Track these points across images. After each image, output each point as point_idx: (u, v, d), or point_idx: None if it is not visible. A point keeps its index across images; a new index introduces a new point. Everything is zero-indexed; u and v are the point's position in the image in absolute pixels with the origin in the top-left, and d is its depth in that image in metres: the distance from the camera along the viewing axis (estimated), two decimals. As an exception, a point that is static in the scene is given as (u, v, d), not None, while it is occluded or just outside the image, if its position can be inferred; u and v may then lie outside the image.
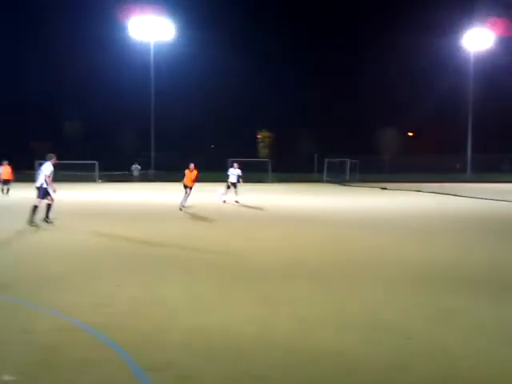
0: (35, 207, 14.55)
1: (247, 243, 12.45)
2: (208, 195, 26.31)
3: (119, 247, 11.65)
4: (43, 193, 14.64)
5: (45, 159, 15.32)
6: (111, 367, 4.87)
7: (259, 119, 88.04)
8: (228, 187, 24.50)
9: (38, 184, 14.71)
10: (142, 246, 11.85)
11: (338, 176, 53.36)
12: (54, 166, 15.07)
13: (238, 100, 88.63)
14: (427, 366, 4.95)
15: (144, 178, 53.41)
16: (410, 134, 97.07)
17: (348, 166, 55.02)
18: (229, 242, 12.59)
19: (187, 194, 20.76)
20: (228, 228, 15.41)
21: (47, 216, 14.94)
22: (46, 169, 14.71)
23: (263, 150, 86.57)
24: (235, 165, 25.02)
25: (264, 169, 56.44)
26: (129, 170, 54.31)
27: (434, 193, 32.56)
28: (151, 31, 58.96)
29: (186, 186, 20.87)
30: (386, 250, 11.55)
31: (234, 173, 24.56)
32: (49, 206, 14.94)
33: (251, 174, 54.45)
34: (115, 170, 53.68)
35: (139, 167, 53.74)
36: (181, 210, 19.97)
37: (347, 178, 53.13)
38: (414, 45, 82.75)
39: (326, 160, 55.94)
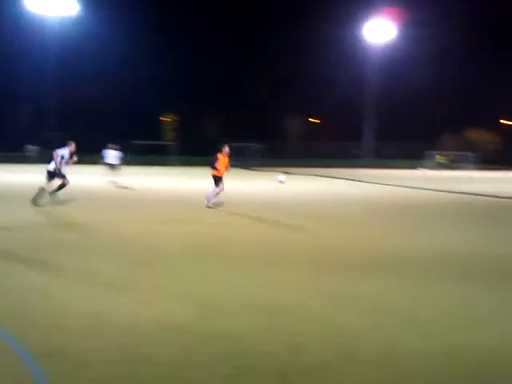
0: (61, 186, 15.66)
1: (142, 225, 12.33)
2: (90, 178, 25.69)
3: (14, 232, 11.21)
4: (59, 175, 15.40)
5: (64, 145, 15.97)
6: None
7: (165, 102, 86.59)
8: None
9: (51, 168, 15.40)
10: (42, 229, 11.45)
11: (243, 160, 53.82)
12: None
13: (144, 82, 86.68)
14: (324, 347, 5.08)
15: (42, 159, 51.19)
16: (315, 120, 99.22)
17: (252, 151, 55.60)
18: (122, 225, 12.41)
19: (220, 188, 16.00)
20: (121, 211, 15.20)
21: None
22: (61, 152, 15.50)
23: (169, 133, 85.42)
24: (113, 146, 25.34)
25: (169, 152, 56.00)
26: (22, 150, 51.76)
27: (333, 177, 33.76)
28: (53, 6, 56.26)
29: (217, 178, 15.92)
30: (279, 232, 11.84)
31: (111, 154, 24.93)
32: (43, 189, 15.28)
33: (156, 157, 54.00)
34: (10, 150, 51.05)
35: (36, 148, 51.41)
36: (210, 207, 15.71)
37: (251, 162, 53.68)
38: (319, 34, 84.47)
39: (231, 144, 56.21)
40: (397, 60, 73.30)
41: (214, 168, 15.86)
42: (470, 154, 62.62)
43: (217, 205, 16.05)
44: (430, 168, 57.71)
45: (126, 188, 22.45)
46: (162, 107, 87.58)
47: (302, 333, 5.42)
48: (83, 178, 25.80)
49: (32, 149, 50.80)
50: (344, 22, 71.54)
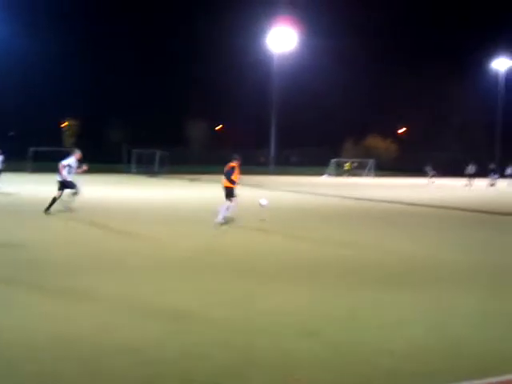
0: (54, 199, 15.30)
1: (36, 236, 11.80)
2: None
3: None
4: (66, 184, 15.30)
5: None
6: None
7: (65, 106, 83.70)
8: None
9: (60, 178, 15.30)
10: None
11: (148, 167, 52.94)
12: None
13: (41, 85, 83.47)
14: (225, 353, 5.04)
15: None
16: (219, 127, 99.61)
17: (157, 158, 54.81)
18: (17, 237, 11.81)
19: (234, 202, 14.22)
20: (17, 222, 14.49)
21: (48, 208, 15.18)
22: (66, 161, 15.41)
23: (69, 139, 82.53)
24: None
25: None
26: None
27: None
28: None
29: (231, 190, 14.03)
30: (173, 239, 11.73)
31: None
32: (54, 199, 15.31)
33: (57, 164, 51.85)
34: None
35: None
36: (220, 224, 13.74)
37: (156, 169, 52.89)
38: (222, 42, 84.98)
39: (135, 151, 55.32)
40: (301, 68, 75.09)
41: (230, 180, 14.02)
42: (371, 160, 65.06)
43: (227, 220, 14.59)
44: (335, 175, 59.52)
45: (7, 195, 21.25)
46: (64, 112, 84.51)
47: (205, 340, 5.35)
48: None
49: None
50: (248, 30, 72.47)
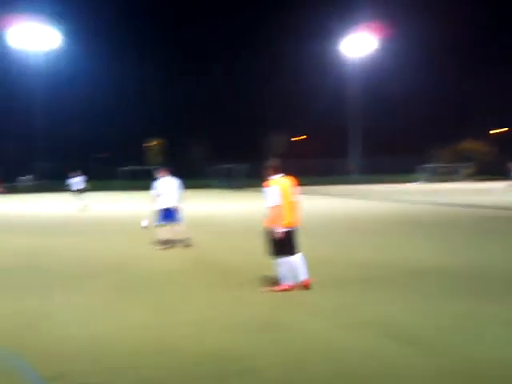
0: None
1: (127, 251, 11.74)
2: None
3: None
4: None
5: None
6: (8, 378, 4.57)
7: (151, 127, 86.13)
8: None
9: None
10: (20, 259, 10.82)
11: (228, 182, 52.99)
12: None
13: (128, 107, 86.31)
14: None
15: (37, 188, 49.81)
16: (299, 138, 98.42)
17: (236, 172, 54.59)
18: (104, 252, 11.68)
19: None
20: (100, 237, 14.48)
21: None
22: None
23: (155, 158, 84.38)
24: (75, 173, 24.89)
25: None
26: (15, 181, 50.79)
27: (327, 195, 33.18)
28: (36, 40, 56.09)
29: None
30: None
31: (75, 181, 24.65)
32: None
33: (143, 183, 53.02)
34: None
35: (30, 178, 50.92)
36: None
37: (235, 183, 52.54)
38: (299, 51, 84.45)
39: (223, 167, 55.41)
40: (380, 73, 73.00)
41: None
42: (464, 165, 62.10)
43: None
44: (425, 181, 57.08)
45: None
46: (148, 132, 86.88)
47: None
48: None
49: (26, 179, 50.19)
50: (323, 38, 71.27)
